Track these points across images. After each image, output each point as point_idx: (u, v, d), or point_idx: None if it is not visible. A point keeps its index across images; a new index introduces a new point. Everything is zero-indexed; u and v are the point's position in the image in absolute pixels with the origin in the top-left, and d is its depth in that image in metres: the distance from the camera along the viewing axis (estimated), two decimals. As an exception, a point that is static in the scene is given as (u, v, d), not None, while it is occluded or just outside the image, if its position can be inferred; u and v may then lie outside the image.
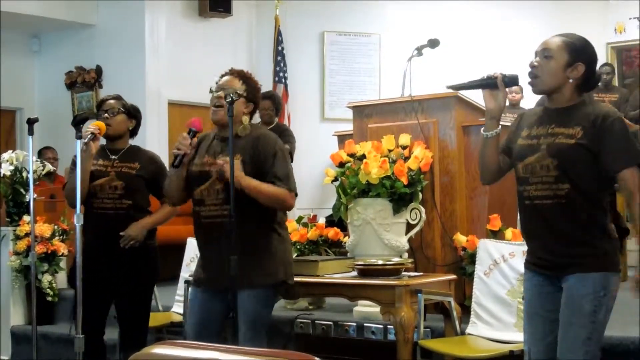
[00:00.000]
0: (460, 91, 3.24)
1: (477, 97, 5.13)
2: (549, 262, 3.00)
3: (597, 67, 3.16)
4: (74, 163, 4.26)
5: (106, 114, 4.26)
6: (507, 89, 3.14)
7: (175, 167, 3.63)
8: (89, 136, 4.02)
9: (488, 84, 3.12)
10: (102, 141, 4.29)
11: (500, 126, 3.16)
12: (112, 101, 4.33)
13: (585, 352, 2.89)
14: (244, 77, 3.71)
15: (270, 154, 3.59)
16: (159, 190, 4.22)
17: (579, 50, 3.01)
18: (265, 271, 3.58)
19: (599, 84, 7.06)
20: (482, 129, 3.18)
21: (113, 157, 4.30)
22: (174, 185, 3.72)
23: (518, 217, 5.41)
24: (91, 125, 4.08)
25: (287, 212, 3.81)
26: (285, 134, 7.48)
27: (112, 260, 4.19)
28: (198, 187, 3.65)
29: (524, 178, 3.03)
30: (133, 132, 4.44)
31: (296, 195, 3.64)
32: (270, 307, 3.72)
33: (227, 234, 3.40)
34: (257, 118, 7.59)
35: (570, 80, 3.00)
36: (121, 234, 4.17)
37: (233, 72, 3.73)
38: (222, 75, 3.75)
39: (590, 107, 3.00)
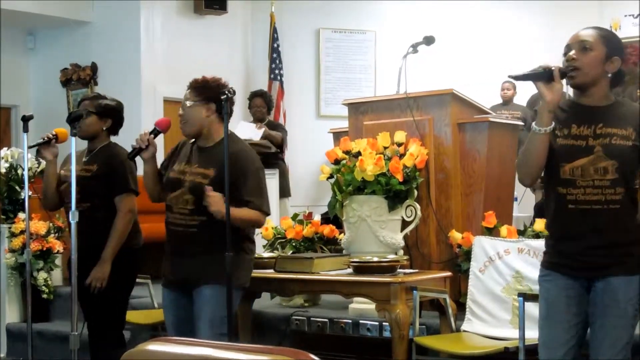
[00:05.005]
0: (517, 79, 3.06)
1: (472, 94, 5.16)
2: (588, 263, 2.87)
3: None
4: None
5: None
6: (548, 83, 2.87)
7: (130, 159, 3.99)
8: (39, 141, 4.10)
9: (544, 75, 2.88)
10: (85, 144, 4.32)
11: (553, 122, 2.90)
12: (86, 101, 4.30)
13: (624, 355, 2.83)
14: (197, 84, 3.77)
15: (247, 171, 3.64)
16: (110, 188, 4.16)
17: (615, 44, 2.91)
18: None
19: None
20: (535, 123, 2.90)
21: (84, 159, 4.26)
22: (149, 179, 3.89)
23: (514, 214, 5.44)
24: (50, 133, 4.12)
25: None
26: (278, 128, 7.57)
27: (90, 262, 4.07)
28: (171, 192, 3.75)
29: (570, 180, 2.87)
30: (112, 131, 4.35)
31: (268, 214, 3.75)
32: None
33: (191, 241, 3.63)
34: (249, 115, 7.65)
35: (609, 75, 2.89)
36: (87, 281, 4.04)
37: (189, 86, 3.80)
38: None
39: (630, 105, 2.91)
